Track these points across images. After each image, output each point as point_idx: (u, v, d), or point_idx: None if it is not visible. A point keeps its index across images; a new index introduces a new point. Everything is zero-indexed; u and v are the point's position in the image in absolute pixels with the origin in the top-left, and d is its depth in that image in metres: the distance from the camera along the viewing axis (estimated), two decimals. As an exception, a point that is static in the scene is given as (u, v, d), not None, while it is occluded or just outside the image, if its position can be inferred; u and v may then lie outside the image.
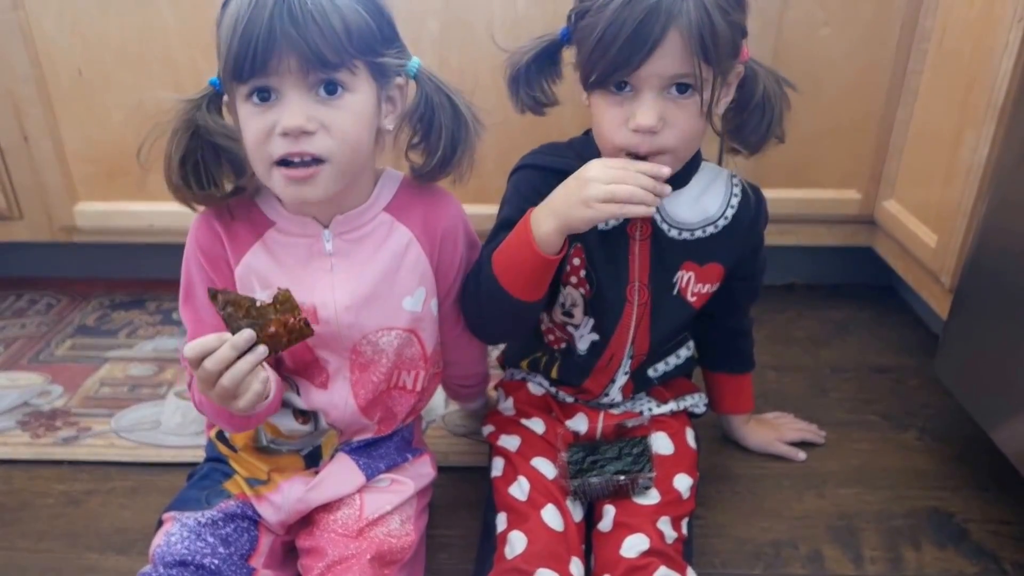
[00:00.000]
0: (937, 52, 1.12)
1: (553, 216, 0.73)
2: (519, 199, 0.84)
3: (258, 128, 0.68)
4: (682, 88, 0.72)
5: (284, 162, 0.68)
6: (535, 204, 0.81)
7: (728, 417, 1.05)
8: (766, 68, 0.80)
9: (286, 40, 0.64)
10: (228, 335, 0.66)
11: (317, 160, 0.69)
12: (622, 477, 0.83)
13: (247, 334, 0.66)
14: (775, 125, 0.80)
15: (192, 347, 0.66)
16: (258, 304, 0.67)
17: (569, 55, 0.80)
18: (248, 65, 0.65)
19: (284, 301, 0.68)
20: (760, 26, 0.80)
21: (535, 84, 0.81)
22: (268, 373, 0.72)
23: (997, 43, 0.96)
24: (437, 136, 0.75)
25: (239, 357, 0.66)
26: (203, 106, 0.72)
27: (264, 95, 0.68)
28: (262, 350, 0.67)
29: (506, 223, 0.85)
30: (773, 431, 1.05)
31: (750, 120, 0.79)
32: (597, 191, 0.70)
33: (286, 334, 0.68)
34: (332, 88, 0.68)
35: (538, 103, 0.82)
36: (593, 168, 0.72)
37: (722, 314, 0.94)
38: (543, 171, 0.84)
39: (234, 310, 0.67)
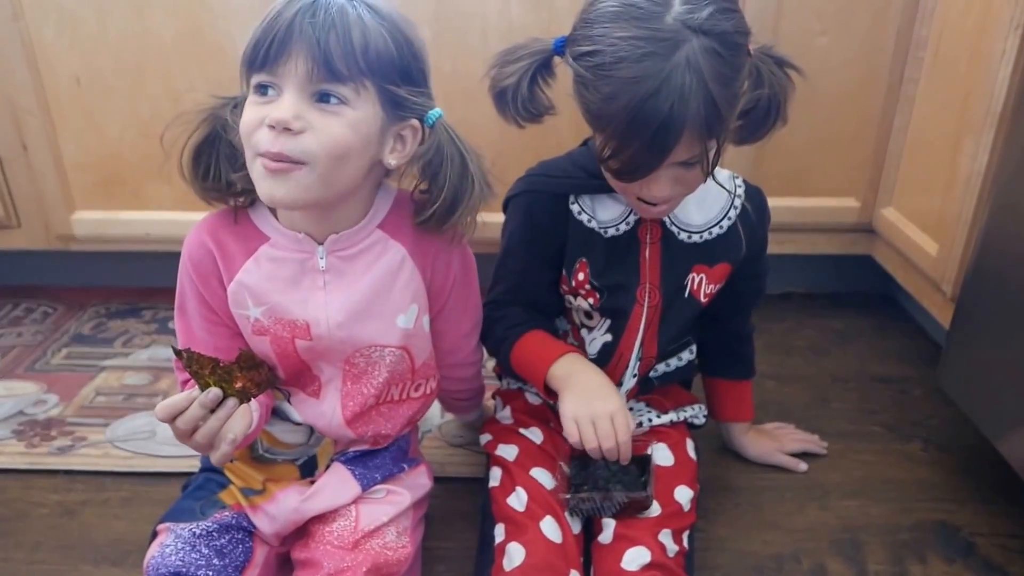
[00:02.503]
0: (933, 60, 1.12)
1: (564, 390, 0.82)
2: (521, 229, 0.86)
3: (251, 117, 0.68)
4: (689, 164, 0.72)
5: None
6: (535, 232, 0.85)
7: (728, 426, 1.04)
8: (771, 57, 0.76)
9: (302, 38, 0.65)
10: (197, 393, 0.66)
11: (295, 162, 0.67)
12: (622, 499, 0.81)
13: (213, 393, 0.66)
14: (781, 115, 0.78)
15: (162, 408, 0.66)
16: (222, 363, 0.68)
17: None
18: (262, 54, 0.66)
19: (247, 360, 0.69)
20: (755, 36, 0.79)
21: (535, 98, 0.78)
22: (252, 407, 0.72)
23: (994, 50, 0.95)
24: (440, 188, 0.74)
25: (211, 411, 0.67)
26: (229, 107, 0.73)
27: (264, 90, 0.68)
28: (232, 404, 0.68)
29: (510, 253, 0.87)
30: (774, 441, 1.04)
31: (755, 118, 0.77)
32: (593, 427, 0.79)
33: (254, 387, 0.70)
34: (327, 98, 0.67)
35: (536, 115, 0.80)
36: (607, 415, 0.79)
37: (726, 316, 0.94)
38: (541, 195, 0.85)
39: (199, 368, 0.67)
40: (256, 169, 0.69)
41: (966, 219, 1.02)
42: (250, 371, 0.70)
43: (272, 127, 0.66)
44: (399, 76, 0.70)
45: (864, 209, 1.29)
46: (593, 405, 0.79)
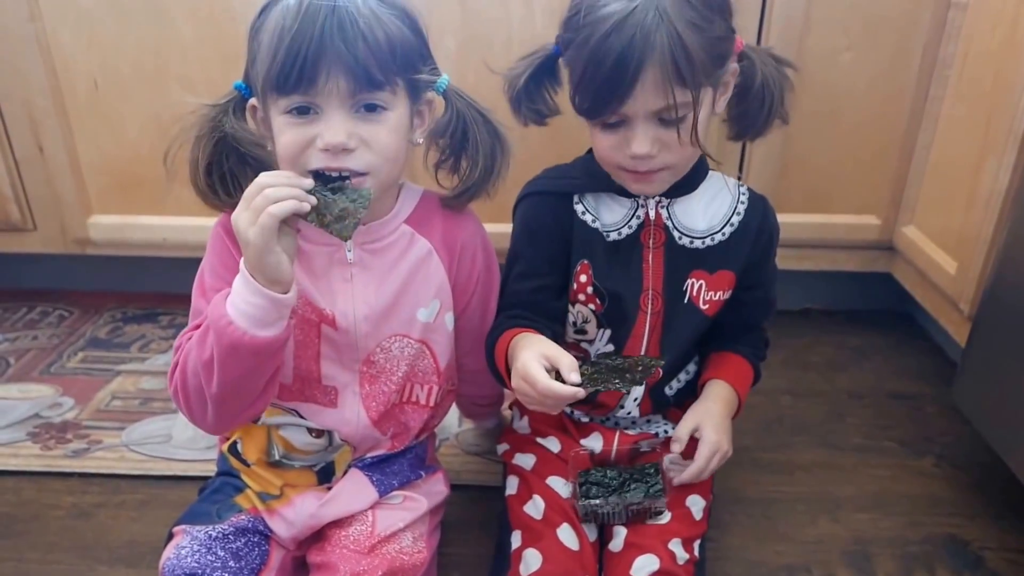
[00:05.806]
0: (959, 79, 1.11)
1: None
2: (527, 231, 0.86)
3: (295, 140, 0.68)
4: (667, 120, 0.72)
5: (319, 174, 0.68)
6: (538, 232, 0.84)
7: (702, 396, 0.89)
8: (763, 52, 0.79)
9: (336, 57, 0.64)
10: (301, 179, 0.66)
11: (358, 174, 0.69)
12: (634, 504, 0.82)
13: (307, 183, 0.66)
14: (776, 108, 0.79)
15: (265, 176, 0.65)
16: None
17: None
18: (294, 79, 0.65)
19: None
20: (781, 51, 0.79)
21: (536, 97, 0.82)
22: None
23: (1019, 71, 0.95)
24: (474, 151, 0.76)
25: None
26: (229, 111, 0.71)
27: (304, 110, 0.68)
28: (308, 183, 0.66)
29: (516, 257, 0.87)
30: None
31: (751, 108, 0.79)
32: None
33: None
34: (372, 107, 0.68)
35: (540, 115, 0.83)
36: (522, 371, 0.72)
37: (736, 333, 0.91)
38: (546, 196, 0.85)
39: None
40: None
41: (985, 239, 1.01)
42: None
43: (327, 150, 0.67)
44: (419, 61, 0.72)
45: (885, 227, 1.28)
46: (514, 368, 0.74)
